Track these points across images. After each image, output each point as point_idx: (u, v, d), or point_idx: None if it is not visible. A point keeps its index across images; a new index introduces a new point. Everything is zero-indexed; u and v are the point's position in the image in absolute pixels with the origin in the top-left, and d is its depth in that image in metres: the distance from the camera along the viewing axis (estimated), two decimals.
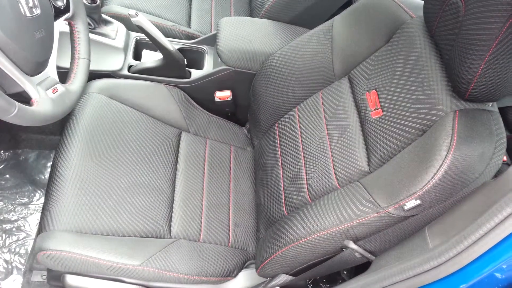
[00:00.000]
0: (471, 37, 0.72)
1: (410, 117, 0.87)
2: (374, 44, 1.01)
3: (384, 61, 0.98)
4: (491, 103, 0.83)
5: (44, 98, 0.80)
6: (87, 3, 1.17)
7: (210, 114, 1.32)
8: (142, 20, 1.12)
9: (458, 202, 0.66)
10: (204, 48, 1.36)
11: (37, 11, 0.78)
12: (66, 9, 0.89)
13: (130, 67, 1.28)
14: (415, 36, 0.93)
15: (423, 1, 0.97)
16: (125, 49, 1.28)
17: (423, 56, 0.89)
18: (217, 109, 1.33)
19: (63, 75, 0.97)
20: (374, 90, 0.97)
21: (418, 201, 0.76)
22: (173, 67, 1.25)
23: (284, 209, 1.04)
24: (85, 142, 1.06)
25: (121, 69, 1.25)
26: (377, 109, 0.95)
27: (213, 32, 1.36)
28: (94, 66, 1.20)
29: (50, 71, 0.86)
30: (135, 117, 1.16)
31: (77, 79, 0.92)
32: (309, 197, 0.99)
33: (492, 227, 0.54)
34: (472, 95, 0.77)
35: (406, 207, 0.77)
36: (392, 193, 0.79)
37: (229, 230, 1.12)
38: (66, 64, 1.01)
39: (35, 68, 0.80)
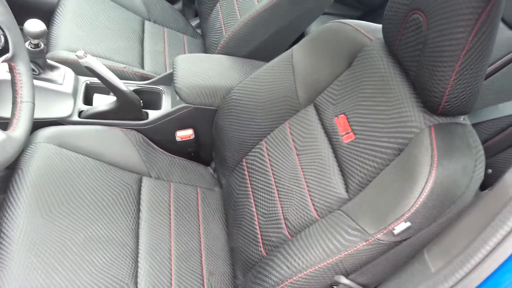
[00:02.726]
0: (438, 49, 0.71)
1: (384, 138, 0.84)
2: (335, 69, 1.00)
3: (348, 85, 0.96)
4: (463, 117, 0.82)
5: None
6: (30, 47, 1.08)
7: (172, 155, 1.24)
8: (91, 60, 1.05)
9: (455, 218, 0.63)
10: (161, 88, 1.30)
11: None
12: (5, 49, 0.81)
13: (80, 112, 1.18)
14: (376, 58, 0.92)
15: (379, 25, 0.98)
16: (74, 94, 1.19)
17: (388, 75, 0.88)
18: (180, 150, 1.26)
19: (5, 125, 0.86)
20: (342, 114, 0.94)
21: (408, 223, 0.71)
22: (128, 109, 1.18)
23: (262, 249, 0.96)
24: (34, 197, 0.94)
25: (70, 115, 1.16)
26: (348, 133, 0.92)
27: (169, 71, 1.30)
28: (40, 114, 1.10)
29: None
30: (89, 165, 1.06)
31: (20, 125, 0.82)
32: (288, 232, 0.92)
33: (499, 240, 0.49)
34: (446, 109, 0.76)
35: (396, 231, 0.72)
36: (379, 218, 0.74)
37: (203, 280, 1.02)
38: (7, 114, 0.91)
39: None
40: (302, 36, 1.56)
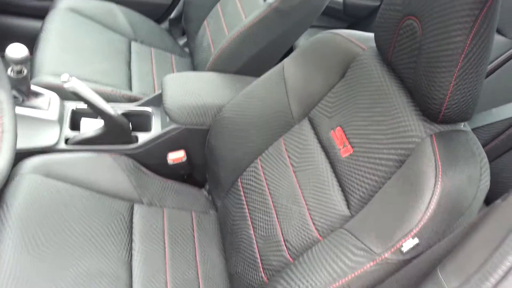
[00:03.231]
0: (436, 54, 0.68)
1: (384, 149, 0.81)
2: (329, 81, 0.97)
3: (343, 96, 0.93)
4: (463, 124, 0.79)
5: None
6: (12, 75, 1.04)
7: (164, 179, 1.19)
8: (77, 84, 1.01)
9: (468, 232, 0.59)
10: (150, 109, 1.27)
11: None
12: None
13: (67, 139, 1.14)
14: (370, 67, 0.89)
15: (371, 33, 0.96)
16: (60, 120, 1.15)
17: (384, 85, 0.85)
18: (172, 173, 1.21)
19: None
20: (339, 127, 0.91)
21: (416, 240, 0.67)
22: (117, 133, 1.13)
23: (263, 275, 0.91)
24: (19, 232, 0.89)
25: (57, 143, 1.11)
26: (345, 146, 0.88)
27: (158, 92, 1.27)
28: (24, 144, 1.06)
29: None
30: (77, 195, 1.01)
31: (1, 157, 0.77)
32: (290, 255, 0.87)
33: None
34: (446, 116, 0.72)
35: (404, 249, 0.68)
36: (386, 235, 0.70)
37: None
38: None
39: None
40: (291, 50, 1.54)
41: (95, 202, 1.02)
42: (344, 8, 1.92)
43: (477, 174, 0.70)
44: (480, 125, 1.47)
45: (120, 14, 1.67)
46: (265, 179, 1.01)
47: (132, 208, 1.07)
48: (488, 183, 0.73)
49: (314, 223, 0.87)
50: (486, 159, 0.74)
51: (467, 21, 0.63)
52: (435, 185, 0.68)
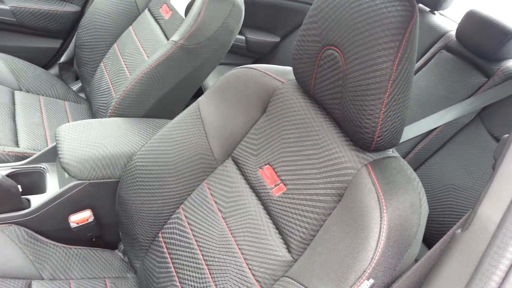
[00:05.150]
0: (363, 82, 0.66)
1: (319, 184, 0.76)
2: (250, 117, 0.91)
3: (267, 132, 0.87)
4: (391, 149, 0.78)
5: None
6: None
7: (69, 246, 1.01)
8: None
9: (431, 268, 0.55)
10: (43, 166, 1.08)
11: None
12: None
13: None
14: (292, 100, 0.86)
15: (287, 67, 0.94)
16: None
17: (309, 117, 0.82)
18: (77, 237, 1.03)
19: None
20: (267, 165, 0.84)
21: (371, 281, 0.62)
22: (3, 199, 0.94)
23: None
24: None
25: None
26: (277, 184, 0.82)
27: (52, 145, 1.10)
28: None
29: None
30: None
31: None
32: None
33: (499, 284, 0.42)
34: (378, 144, 0.71)
35: None
36: (338, 280, 0.64)
37: None
38: None
39: None
40: (200, 89, 1.48)
41: None
42: (247, 45, 1.94)
43: (417, 200, 0.69)
44: None
45: None
46: (191, 230, 0.90)
47: (29, 287, 0.87)
48: (427, 207, 0.71)
49: (253, 274, 0.78)
50: (420, 183, 0.73)
51: (392, 47, 0.63)
52: (381, 218, 0.64)
